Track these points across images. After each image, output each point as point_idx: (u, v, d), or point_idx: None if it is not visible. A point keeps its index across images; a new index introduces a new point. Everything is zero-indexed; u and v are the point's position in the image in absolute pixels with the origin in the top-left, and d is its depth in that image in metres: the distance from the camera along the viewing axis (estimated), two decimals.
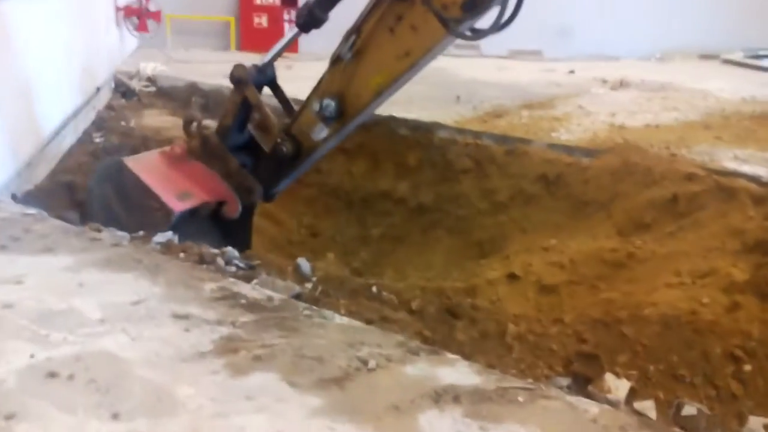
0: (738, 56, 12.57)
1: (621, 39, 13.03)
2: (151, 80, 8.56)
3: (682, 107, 8.00)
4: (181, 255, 4.01)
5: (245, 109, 4.57)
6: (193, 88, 8.31)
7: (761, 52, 12.42)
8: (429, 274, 6.33)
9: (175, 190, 4.40)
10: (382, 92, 4.01)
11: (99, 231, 4.09)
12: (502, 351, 3.05)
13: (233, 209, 4.56)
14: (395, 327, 3.32)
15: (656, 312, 3.34)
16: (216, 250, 4.09)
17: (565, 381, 3.00)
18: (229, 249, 4.08)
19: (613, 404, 2.80)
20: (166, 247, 4.15)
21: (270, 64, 4.57)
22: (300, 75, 7.72)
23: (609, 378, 2.99)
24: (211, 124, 4.81)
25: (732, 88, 9.36)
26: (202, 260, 3.98)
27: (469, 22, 3.68)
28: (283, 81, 4.82)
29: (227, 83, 8.69)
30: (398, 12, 3.76)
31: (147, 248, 3.57)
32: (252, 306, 2.88)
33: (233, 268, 3.97)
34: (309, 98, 4.32)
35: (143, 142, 6.73)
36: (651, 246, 5.05)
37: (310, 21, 4.08)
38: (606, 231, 5.49)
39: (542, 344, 3.09)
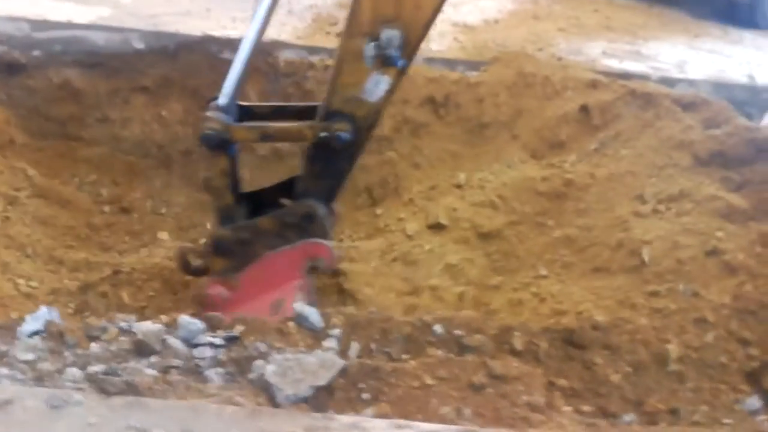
0: None
1: None
2: None
3: None
4: (95, 347, 2.46)
5: (235, 172, 3.42)
6: None
7: None
8: None
9: (265, 311, 3.13)
10: None
11: None
12: (672, 383, 2.32)
13: (328, 257, 3.33)
14: (520, 385, 2.34)
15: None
16: (157, 325, 2.55)
17: (757, 401, 2.41)
18: (183, 319, 2.58)
19: None
20: (54, 336, 2.53)
21: (234, 97, 3.29)
22: None
23: None
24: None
25: None
26: (140, 349, 2.49)
27: None
28: None
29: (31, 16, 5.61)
30: None
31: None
32: None
33: (207, 350, 2.54)
34: (345, 44, 2.94)
35: None
36: (583, 168, 4.64)
37: None
38: (518, 155, 4.91)
39: (709, 360, 2.45)
